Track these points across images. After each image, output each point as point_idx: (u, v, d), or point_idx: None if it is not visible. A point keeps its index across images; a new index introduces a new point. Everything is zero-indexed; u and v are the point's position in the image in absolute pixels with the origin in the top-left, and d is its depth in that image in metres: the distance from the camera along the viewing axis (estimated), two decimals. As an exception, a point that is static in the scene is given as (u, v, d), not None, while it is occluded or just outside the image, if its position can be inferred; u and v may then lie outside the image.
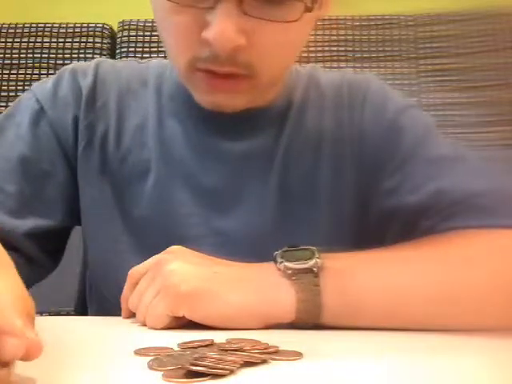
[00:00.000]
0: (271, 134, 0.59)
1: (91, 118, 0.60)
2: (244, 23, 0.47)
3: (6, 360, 0.24)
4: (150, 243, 0.49)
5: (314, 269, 0.44)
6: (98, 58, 0.65)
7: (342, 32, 1.49)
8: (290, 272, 0.44)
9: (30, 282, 0.40)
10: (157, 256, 0.47)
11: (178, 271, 0.44)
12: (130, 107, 0.61)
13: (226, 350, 0.31)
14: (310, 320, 0.44)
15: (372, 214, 0.58)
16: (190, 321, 0.43)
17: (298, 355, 0.32)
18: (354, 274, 0.45)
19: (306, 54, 1.43)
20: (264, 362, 0.31)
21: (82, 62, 0.65)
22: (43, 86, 0.61)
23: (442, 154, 0.57)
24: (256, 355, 0.31)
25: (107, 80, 0.62)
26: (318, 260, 0.44)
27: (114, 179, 0.59)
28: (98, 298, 0.62)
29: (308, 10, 0.48)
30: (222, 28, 0.46)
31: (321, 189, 0.58)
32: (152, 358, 0.31)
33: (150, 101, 0.61)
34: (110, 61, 0.67)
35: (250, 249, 0.49)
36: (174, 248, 0.48)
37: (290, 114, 0.60)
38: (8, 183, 0.56)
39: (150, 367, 0.29)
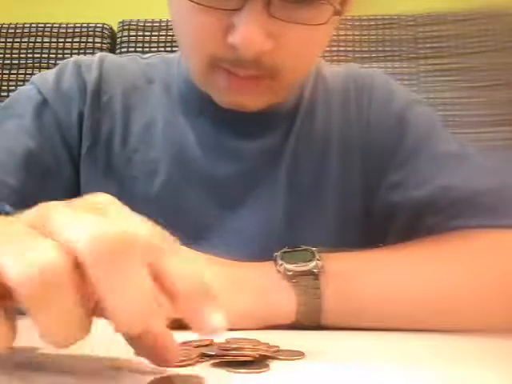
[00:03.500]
0: (281, 132, 0.59)
1: (96, 115, 0.58)
2: (271, 26, 0.45)
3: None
4: None
5: (315, 270, 0.44)
6: (101, 53, 0.64)
7: (342, 32, 1.49)
8: (290, 274, 0.44)
9: None
10: None
11: None
12: (136, 105, 0.60)
13: (227, 350, 0.31)
14: (310, 322, 0.44)
15: (376, 209, 0.58)
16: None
17: (299, 355, 0.32)
18: (355, 276, 0.45)
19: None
20: (265, 361, 0.31)
21: (84, 56, 0.63)
22: (45, 78, 0.59)
23: (448, 151, 0.56)
24: (256, 355, 0.30)
25: (112, 75, 0.60)
26: (318, 262, 0.44)
27: (119, 179, 0.58)
28: None
29: (337, 13, 0.47)
30: (249, 33, 0.44)
31: (329, 185, 0.58)
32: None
33: (157, 99, 0.60)
34: (114, 56, 0.65)
35: (261, 246, 0.49)
36: None
37: (299, 112, 0.60)
38: (11, 177, 0.53)
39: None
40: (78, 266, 0.21)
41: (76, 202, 0.25)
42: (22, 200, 0.53)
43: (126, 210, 0.26)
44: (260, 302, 0.43)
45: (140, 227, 0.24)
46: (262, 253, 0.46)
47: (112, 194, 0.61)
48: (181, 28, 0.51)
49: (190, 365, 0.30)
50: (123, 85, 0.60)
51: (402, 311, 0.44)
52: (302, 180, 0.58)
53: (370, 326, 0.44)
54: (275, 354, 0.31)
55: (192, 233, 0.55)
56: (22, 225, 0.23)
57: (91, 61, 0.61)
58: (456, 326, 0.43)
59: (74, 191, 0.58)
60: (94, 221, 0.22)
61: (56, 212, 0.23)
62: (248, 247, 0.49)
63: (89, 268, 0.21)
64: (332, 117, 0.61)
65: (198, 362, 0.30)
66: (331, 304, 0.43)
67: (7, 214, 0.47)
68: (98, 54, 0.63)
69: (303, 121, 0.60)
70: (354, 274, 0.45)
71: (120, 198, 0.62)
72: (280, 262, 0.45)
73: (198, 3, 0.45)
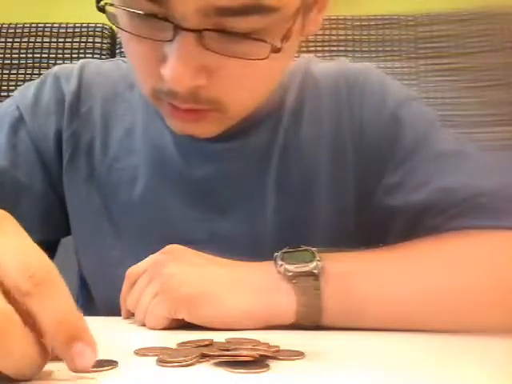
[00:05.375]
0: (266, 133, 0.58)
1: (75, 125, 0.58)
2: (205, 59, 0.42)
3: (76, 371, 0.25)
4: (145, 250, 0.48)
5: (315, 271, 0.44)
6: (83, 60, 0.63)
7: (342, 32, 1.49)
8: (290, 275, 0.44)
9: None
10: (154, 256, 0.47)
11: (176, 274, 0.44)
12: (117, 112, 0.59)
13: (227, 350, 0.31)
14: (310, 323, 0.44)
15: (373, 212, 0.57)
16: (190, 321, 0.43)
17: (299, 355, 0.32)
18: (355, 276, 0.45)
19: (305, 55, 1.43)
20: (265, 361, 0.31)
21: (66, 65, 0.62)
22: (25, 93, 0.59)
23: (446, 150, 0.55)
24: (256, 355, 0.30)
25: (92, 84, 0.60)
26: (318, 262, 0.44)
27: (101, 188, 0.58)
28: (89, 306, 0.61)
29: (275, 51, 0.43)
30: (177, 68, 0.42)
31: (320, 187, 0.57)
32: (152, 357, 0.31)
33: (136, 105, 0.60)
34: (96, 62, 0.64)
35: (250, 249, 0.48)
36: (171, 247, 0.47)
37: (285, 112, 0.58)
38: None
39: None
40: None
41: None
42: None
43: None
44: (260, 302, 0.43)
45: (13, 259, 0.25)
46: (251, 255, 0.46)
47: (95, 204, 0.61)
48: (127, 56, 0.50)
49: (190, 365, 0.30)
50: (103, 93, 0.60)
51: (401, 311, 0.44)
52: (291, 181, 0.57)
53: (370, 327, 0.44)
54: (275, 354, 0.31)
55: (177, 237, 0.54)
56: None
57: (71, 70, 0.60)
58: (456, 327, 0.43)
59: (49, 207, 0.58)
60: None
61: None
62: (236, 250, 0.49)
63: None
64: (322, 116, 0.59)
65: (198, 361, 0.30)
66: (331, 304, 0.43)
67: None
68: (80, 62, 0.62)
69: (291, 121, 0.58)
70: (354, 274, 0.45)
71: (104, 206, 0.62)
72: (280, 262, 0.44)
73: (130, 33, 0.44)
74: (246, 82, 0.46)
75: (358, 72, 0.61)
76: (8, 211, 0.54)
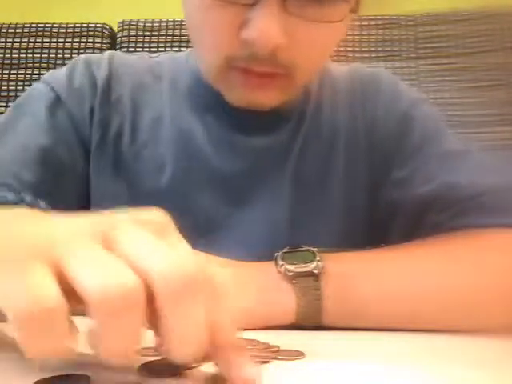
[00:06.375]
0: (290, 129, 0.59)
1: (106, 111, 0.58)
2: (286, 22, 0.45)
3: None
4: None
5: (315, 271, 0.44)
6: (109, 51, 0.64)
7: (342, 32, 1.49)
8: (290, 275, 0.44)
9: None
10: None
11: None
12: (145, 102, 0.60)
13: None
14: (310, 323, 0.43)
15: (381, 206, 0.58)
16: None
17: (299, 355, 0.32)
18: (356, 276, 0.45)
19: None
20: (265, 361, 0.31)
21: (93, 54, 0.63)
22: (56, 76, 0.60)
23: (453, 149, 0.57)
24: (257, 355, 0.30)
25: (121, 73, 0.61)
26: (319, 263, 0.44)
27: (128, 176, 0.58)
28: None
29: (353, 10, 0.47)
30: (265, 27, 0.44)
31: (334, 183, 0.59)
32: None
33: (164, 95, 0.60)
34: (122, 54, 0.65)
35: (267, 243, 0.48)
36: None
37: (307, 109, 0.60)
38: (26, 172, 0.52)
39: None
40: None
41: (135, 217, 0.26)
42: (38, 195, 0.52)
43: (181, 237, 0.27)
44: (260, 302, 0.43)
45: (202, 262, 0.25)
46: (268, 250, 0.46)
47: (121, 192, 0.61)
48: (195, 27, 0.51)
49: None
50: (132, 82, 0.60)
51: (402, 312, 0.44)
52: (307, 177, 0.58)
53: (371, 327, 0.44)
54: (275, 354, 0.31)
55: (199, 229, 0.54)
56: (90, 232, 0.24)
57: (101, 58, 0.61)
58: (457, 327, 0.43)
59: (87, 187, 0.58)
60: (167, 254, 0.23)
61: (126, 231, 0.24)
62: (255, 244, 0.49)
63: (159, 300, 0.22)
64: (338, 115, 0.61)
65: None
66: (331, 305, 0.43)
67: (30, 205, 0.47)
68: (107, 52, 0.63)
69: (311, 119, 0.60)
70: (354, 274, 0.45)
71: (129, 194, 0.62)
72: (281, 262, 0.44)
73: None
74: (318, 46, 0.49)
75: (373, 73, 0.64)
76: (51, 189, 0.53)
